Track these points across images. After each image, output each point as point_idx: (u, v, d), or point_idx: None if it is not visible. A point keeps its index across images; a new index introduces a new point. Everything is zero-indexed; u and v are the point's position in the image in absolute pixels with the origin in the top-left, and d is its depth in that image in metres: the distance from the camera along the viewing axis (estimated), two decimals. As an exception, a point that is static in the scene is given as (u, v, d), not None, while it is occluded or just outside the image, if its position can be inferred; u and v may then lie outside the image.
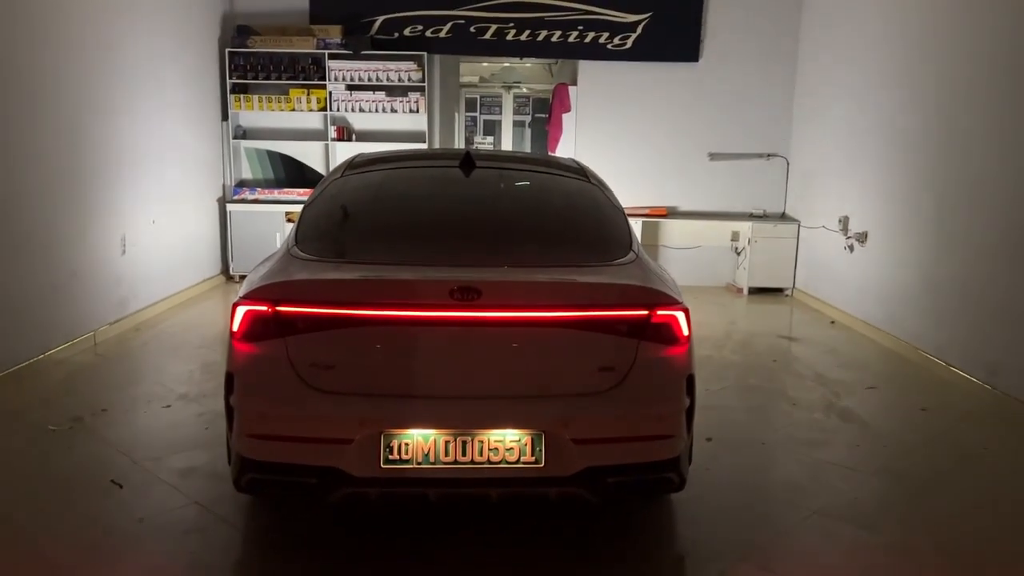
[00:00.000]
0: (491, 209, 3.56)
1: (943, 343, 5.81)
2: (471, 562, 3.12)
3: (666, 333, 2.95)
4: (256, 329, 2.86)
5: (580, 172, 4.00)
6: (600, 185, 3.86)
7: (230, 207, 8.41)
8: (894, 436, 4.65)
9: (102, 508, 3.49)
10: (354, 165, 3.91)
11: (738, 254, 8.86)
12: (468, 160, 3.69)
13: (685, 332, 2.98)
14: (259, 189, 8.53)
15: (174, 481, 3.77)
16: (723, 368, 5.86)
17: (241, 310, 2.88)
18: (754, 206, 8.80)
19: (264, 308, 2.85)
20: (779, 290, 8.67)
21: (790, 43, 8.59)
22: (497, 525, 3.39)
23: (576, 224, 3.55)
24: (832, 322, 7.40)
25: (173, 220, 7.31)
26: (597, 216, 3.58)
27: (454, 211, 3.52)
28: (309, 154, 8.67)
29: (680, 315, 2.96)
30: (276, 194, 8.47)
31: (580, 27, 8.43)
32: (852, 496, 3.81)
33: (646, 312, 2.92)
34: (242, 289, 3.04)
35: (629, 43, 8.45)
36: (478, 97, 18.35)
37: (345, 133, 8.54)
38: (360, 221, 3.51)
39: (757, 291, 8.60)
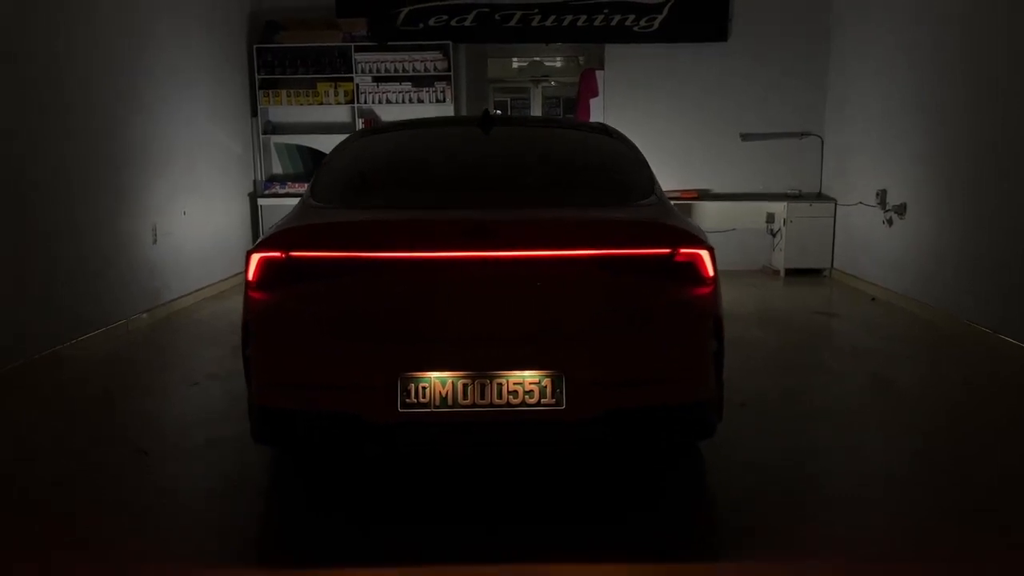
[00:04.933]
0: (509, 159, 3.50)
1: (988, 312, 5.57)
2: (493, 515, 3.05)
3: (691, 272, 2.85)
4: (270, 276, 2.83)
5: (602, 129, 3.93)
6: (622, 139, 3.78)
7: (261, 201, 8.47)
8: (936, 406, 4.46)
9: (127, 475, 3.49)
10: (374, 127, 3.89)
11: (773, 236, 8.66)
12: (487, 119, 3.64)
13: (711, 272, 2.88)
14: (289, 183, 8.58)
15: (198, 451, 3.76)
16: (759, 343, 5.71)
17: (255, 257, 2.85)
18: (789, 186, 8.61)
19: (278, 254, 2.81)
20: (817, 271, 8.45)
21: (822, 18, 8.40)
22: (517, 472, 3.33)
23: (596, 170, 3.47)
24: (873, 299, 7.18)
25: (205, 213, 7.37)
26: (618, 163, 3.50)
27: (472, 161, 3.47)
28: (338, 148, 8.68)
29: (705, 254, 2.86)
30: (306, 188, 8.49)
31: (605, 10, 8.34)
32: (890, 467, 3.63)
33: (669, 250, 2.82)
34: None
35: (656, 24, 8.34)
36: (508, 100, 18.48)
37: (373, 125, 8.55)
38: (377, 172, 3.48)
39: (794, 272, 8.38)
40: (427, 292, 2.79)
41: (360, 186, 3.37)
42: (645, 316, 2.80)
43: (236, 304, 7.18)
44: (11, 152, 4.81)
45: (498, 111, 14.31)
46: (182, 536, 2.97)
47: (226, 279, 7.78)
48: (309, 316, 2.80)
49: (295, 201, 8.74)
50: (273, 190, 8.54)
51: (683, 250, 2.83)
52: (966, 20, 5.96)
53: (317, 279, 2.80)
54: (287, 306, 2.82)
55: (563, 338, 2.78)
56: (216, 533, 3.00)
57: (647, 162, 3.61)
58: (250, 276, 2.86)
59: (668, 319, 2.82)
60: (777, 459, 3.66)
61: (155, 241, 6.45)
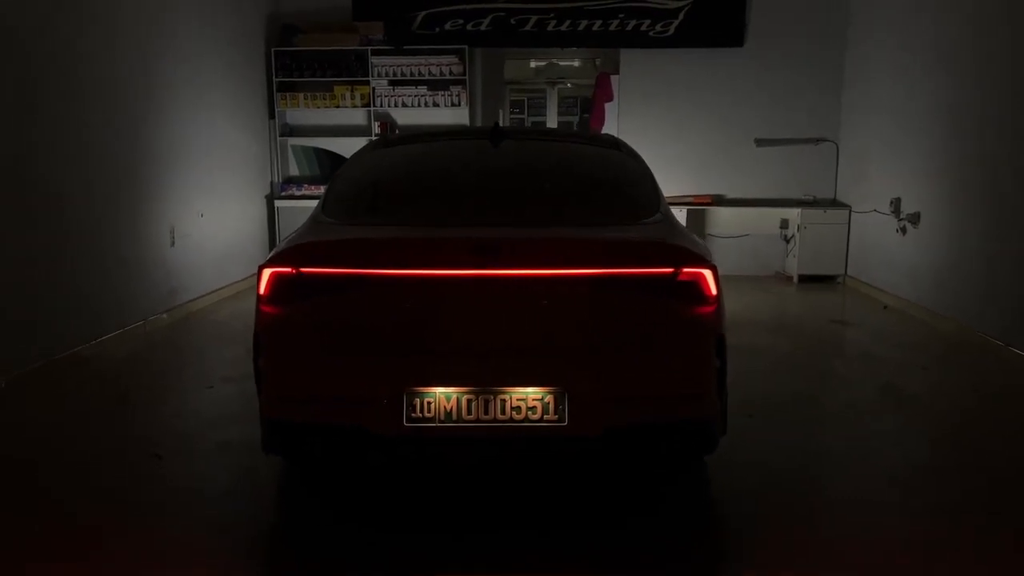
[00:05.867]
0: (516, 173, 3.55)
1: (999, 323, 5.56)
2: (496, 523, 3.10)
3: (693, 292, 2.88)
4: (281, 291, 2.90)
5: (612, 143, 3.97)
6: (632, 154, 3.82)
7: (278, 203, 8.57)
8: (944, 414, 4.48)
9: (141, 478, 3.57)
10: (385, 140, 3.96)
11: (787, 242, 8.66)
12: (497, 132, 3.69)
13: (713, 291, 2.91)
14: (306, 185, 8.68)
15: (209, 454, 3.85)
16: (770, 350, 5.73)
17: (267, 272, 2.91)
18: (803, 192, 8.60)
19: (288, 270, 2.88)
20: (830, 278, 8.44)
21: (839, 24, 8.37)
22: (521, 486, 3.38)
23: (603, 187, 3.52)
24: (885, 307, 7.17)
25: (222, 214, 7.48)
26: (625, 180, 3.54)
27: (479, 177, 3.53)
28: (353, 150, 8.72)
29: (707, 273, 2.89)
30: (322, 190, 8.58)
31: (621, 15, 8.35)
32: (896, 474, 3.64)
33: (672, 270, 2.86)
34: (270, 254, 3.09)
35: (671, 30, 8.34)
36: (525, 99, 18.56)
37: (388, 128, 8.63)
38: (386, 187, 3.55)
39: (807, 279, 8.38)
40: (434, 309, 2.85)
41: (369, 202, 3.45)
42: (648, 334, 2.85)
43: (252, 305, 7.29)
44: (31, 156, 4.91)
45: (516, 110, 14.31)
46: (185, 539, 3.03)
47: (243, 280, 7.87)
48: (318, 331, 2.87)
49: (312, 203, 8.84)
50: (290, 192, 8.64)
51: (686, 270, 2.87)
52: (983, 27, 5.94)
53: (327, 294, 2.87)
54: (297, 320, 2.89)
55: (566, 355, 2.83)
56: (220, 536, 3.07)
57: (654, 178, 3.64)
58: (262, 290, 2.93)
59: (671, 337, 2.87)
60: (781, 462, 3.71)
61: (173, 243, 6.56)
